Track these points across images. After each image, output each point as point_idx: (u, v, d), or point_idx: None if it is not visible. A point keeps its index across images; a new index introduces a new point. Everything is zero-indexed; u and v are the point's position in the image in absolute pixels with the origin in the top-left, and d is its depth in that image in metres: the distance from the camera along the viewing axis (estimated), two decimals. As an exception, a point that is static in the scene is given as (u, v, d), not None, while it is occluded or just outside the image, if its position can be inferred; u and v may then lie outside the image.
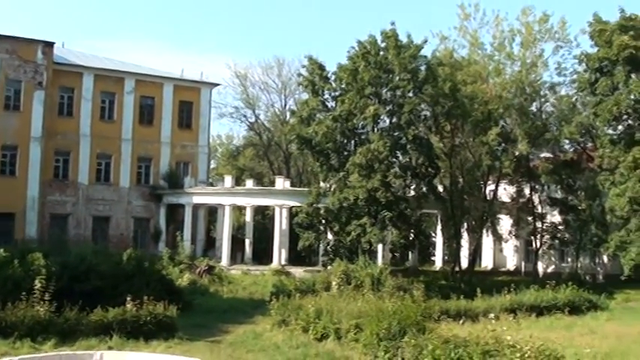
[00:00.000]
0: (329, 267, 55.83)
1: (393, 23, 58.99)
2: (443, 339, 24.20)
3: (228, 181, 73.51)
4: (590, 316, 45.36)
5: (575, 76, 62.37)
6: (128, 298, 31.09)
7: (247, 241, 72.88)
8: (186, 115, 79.73)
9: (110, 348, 27.32)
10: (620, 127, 57.51)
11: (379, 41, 59.27)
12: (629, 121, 56.07)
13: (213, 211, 79.21)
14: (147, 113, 77.53)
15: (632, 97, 54.12)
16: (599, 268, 71.20)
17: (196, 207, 74.07)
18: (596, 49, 56.92)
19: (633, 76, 54.37)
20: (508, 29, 65.78)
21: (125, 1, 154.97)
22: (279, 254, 67.94)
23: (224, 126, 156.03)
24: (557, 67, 66.04)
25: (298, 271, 63.09)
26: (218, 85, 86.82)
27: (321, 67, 61.50)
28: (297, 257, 68.25)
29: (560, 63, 65.81)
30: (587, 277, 67.07)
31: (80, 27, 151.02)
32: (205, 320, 37.49)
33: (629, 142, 53.95)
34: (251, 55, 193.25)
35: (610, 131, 58.29)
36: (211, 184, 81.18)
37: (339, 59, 66.54)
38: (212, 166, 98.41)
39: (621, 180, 52.52)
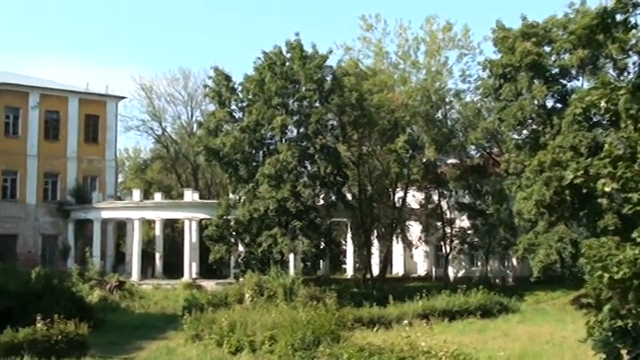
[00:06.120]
0: (241, 279, 55.49)
1: (297, 34, 59.28)
2: (358, 347, 24.20)
3: (137, 194, 72.81)
4: (501, 318, 45.90)
5: (479, 83, 63.01)
6: (38, 317, 30.44)
7: (157, 255, 72.23)
8: (93, 129, 78.67)
9: (21, 369, 26.82)
10: (524, 131, 58.22)
11: (284, 52, 59.39)
12: (534, 126, 56.79)
13: (122, 226, 78.07)
14: (52, 128, 76.32)
15: (536, 102, 54.86)
16: (508, 271, 72.08)
17: (105, 222, 73.13)
18: (499, 56, 57.58)
19: (536, 81, 55.07)
20: (412, 38, 66.58)
21: (27, 13, 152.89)
22: (190, 268, 67.43)
23: (131, 139, 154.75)
24: (461, 74, 67.03)
25: (210, 285, 62.65)
26: (124, 98, 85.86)
27: (228, 78, 61.28)
28: (208, 270, 67.78)
29: (465, 70, 66.86)
30: (497, 281, 67.98)
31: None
32: (118, 337, 37.03)
33: (534, 146, 54.59)
34: (156, 67, 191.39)
35: (515, 136, 58.98)
36: (119, 199, 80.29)
37: (246, 70, 66.38)
38: (120, 180, 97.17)
39: (527, 184, 53.11)
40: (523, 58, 54.09)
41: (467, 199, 71.61)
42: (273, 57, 59.10)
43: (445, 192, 70.95)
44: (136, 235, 69.89)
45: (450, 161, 70.76)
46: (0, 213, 71.78)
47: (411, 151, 63.84)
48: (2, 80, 74.62)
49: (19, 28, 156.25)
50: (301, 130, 59.81)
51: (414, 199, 73.38)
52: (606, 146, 15.18)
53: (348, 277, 72.24)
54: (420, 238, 74.52)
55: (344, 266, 79.72)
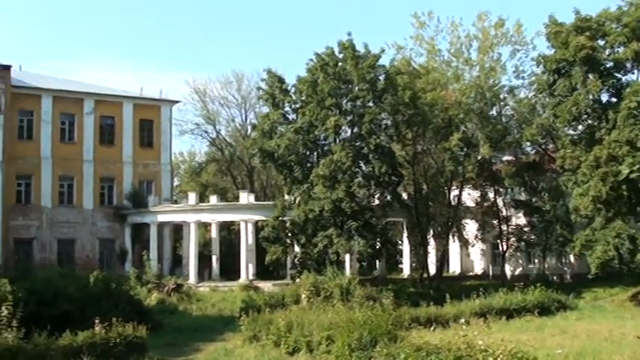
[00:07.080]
0: (297, 280, 55.53)
1: (349, 34, 59.20)
2: (415, 347, 24.07)
3: (192, 198, 73.38)
4: (559, 316, 45.44)
5: (533, 79, 62.62)
6: (97, 321, 30.47)
7: (214, 258, 72.60)
8: (148, 134, 79.43)
9: (80, 372, 27.03)
10: (580, 127, 57.74)
11: (337, 52, 59.38)
12: (589, 121, 56.23)
13: (178, 229, 78.70)
14: (107, 133, 77.25)
15: (591, 97, 54.27)
16: (566, 268, 71.50)
17: (161, 225, 73.78)
18: (552, 51, 57.11)
19: (591, 76, 54.52)
20: (464, 35, 66.12)
21: (81, 20, 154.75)
22: (247, 269, 67.70)
23: (186, 143, 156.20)
24: (515, 70, 66.48)
25: (267, 286, 62.80)
26: (178, 102, 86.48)
27: (281, 80, 61.34)
28: (264, 271, 68.00)
29: (518, 66, 66.27)
30: (555, 278, 67.46)
31: (37, 49, 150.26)
32: (176, 339, 37.25)
33: (590, 142, 54.13)
34: (209, 71, 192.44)
35: (570, 132, 58.53)
36: (175, 202, 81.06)
37: (298, 72, 66.42)
38: (175, 183, 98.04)
39: (583, 179, 52.68)
40: (577, 52, 53.60)
41: (523, 196, 71.16)
42: (325, 58, 59.13)
43: (501, 189, 70.62)
44: (192, 238, 70.37)
45: (505, 158, 70.43)
46: (58, 218, 72.86)
47: (465, 149, 63.54)
48: (57, 87, 75.62)
49: (71, 34, 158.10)
50: (355, 130, 59.70)
51: (470, 197, 73.09)
52: (662, 140, 15.04)
53: (405, 276, 72.19)
54: (476, 236, 74.09)
55: (400, 266, 79.72)
